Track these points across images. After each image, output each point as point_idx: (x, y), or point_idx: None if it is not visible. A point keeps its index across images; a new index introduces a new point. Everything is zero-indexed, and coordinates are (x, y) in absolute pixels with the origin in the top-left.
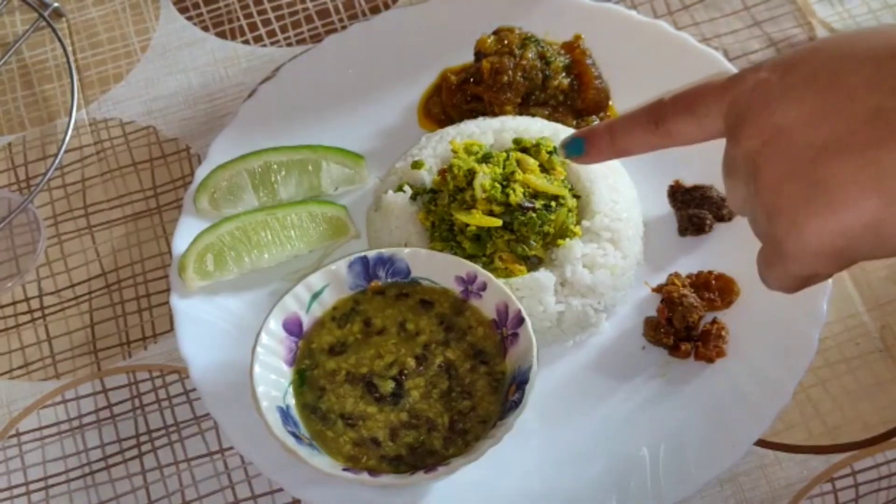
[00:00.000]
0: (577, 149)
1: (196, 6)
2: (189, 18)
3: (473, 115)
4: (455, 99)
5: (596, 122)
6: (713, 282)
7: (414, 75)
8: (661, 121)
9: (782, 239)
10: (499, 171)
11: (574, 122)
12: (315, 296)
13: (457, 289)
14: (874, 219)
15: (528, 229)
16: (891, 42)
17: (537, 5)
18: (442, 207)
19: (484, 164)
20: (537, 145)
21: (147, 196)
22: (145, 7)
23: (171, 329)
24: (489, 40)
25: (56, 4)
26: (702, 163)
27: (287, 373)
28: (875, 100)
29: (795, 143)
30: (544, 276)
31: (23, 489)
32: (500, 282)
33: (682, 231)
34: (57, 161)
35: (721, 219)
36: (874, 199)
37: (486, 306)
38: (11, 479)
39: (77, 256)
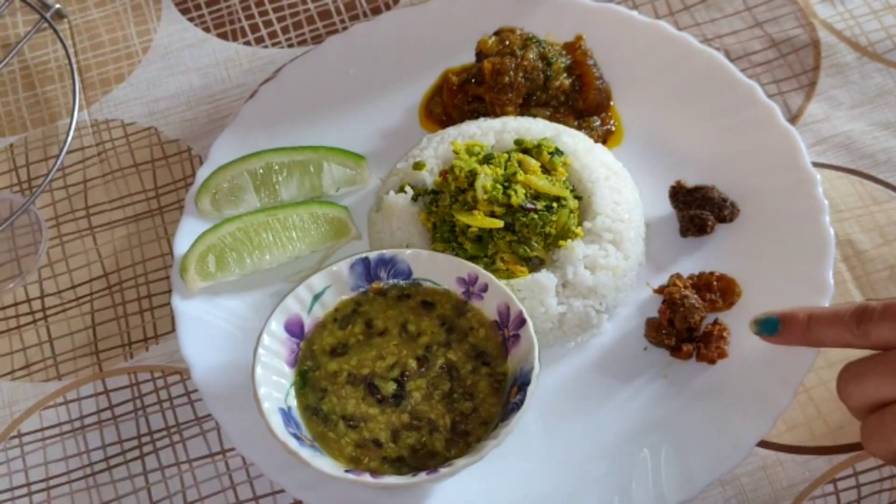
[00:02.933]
0: (771, 328)
1: (198, 7)
2: (191, 19)
3: (475, 115)
4: (456, 99)
5: (597, 122)
6: (715, 283)
7: (415, 76)
8: (864, 323)
9: None
10: (500, 171)
11: (575, 123)
12: (317, 297)
13: (458, 290)
14: None
15: (530, 230)
16: None
17: (539, 6)
18: (443, 208)
19: (485, 165)
20: (539, 146)
21: (148, 197)
22: (147, 8)
23: (173, 330)
24: (490, 41)
25: (58, 6)
26: (703, 163)
27: (289, 374)
28: None
29: None
30: (546, 277)
31: (24, 490)
32: (502, 283)
33: (684, 232)
34: (58, 162)
35: (722, 220)
36: None
37: (488, 307)
38: (13, 479)
39: (79, 257)
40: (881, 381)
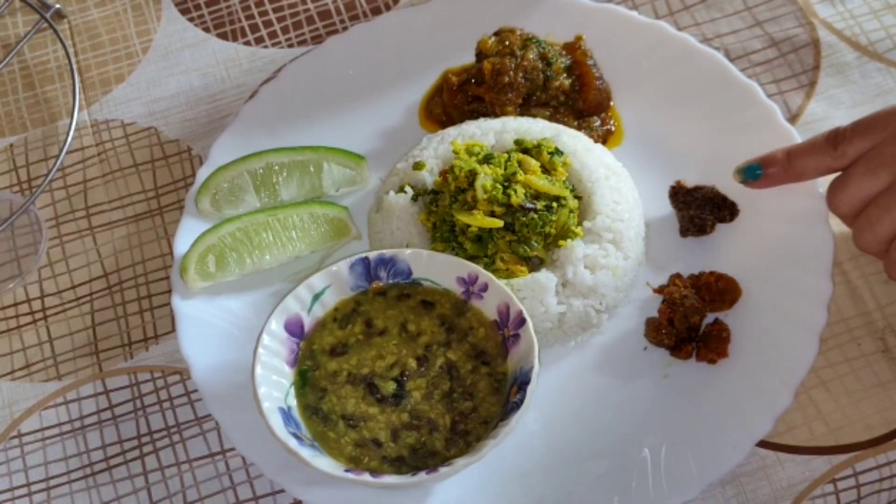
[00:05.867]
0: (753, 173)
1: (198, 7)
2: (191, 20)
3: (475, 115)
4: (456, 100)
5: (597, 123)
6: (715, 283)
7: (415, 76)
8: (839, 144)
9: None
10: (500, 171)
11: (575, 123)
12: (316, 297)
13: (458, 290)
14: None
15: (530, 230)
16: None
17: (539, 6)
18: (443, 208)
19: (485, 165)
20: (538, 146)
21: (148, 197)
22: (147, 8)
23: (173, 330)
24: (490, 41)
25: (58, 6)
26: (703, 163)
27: (289, 374)
28: None
29: None
30: (546, 276)
31: (24, 490)
32: (502, 283)
33: (684, 232)
34: (58, 162)
35: (722, 220)
36: None
37: (488, 307)
38: (13, 479)
39: (79, 257)
40: (861, 179)
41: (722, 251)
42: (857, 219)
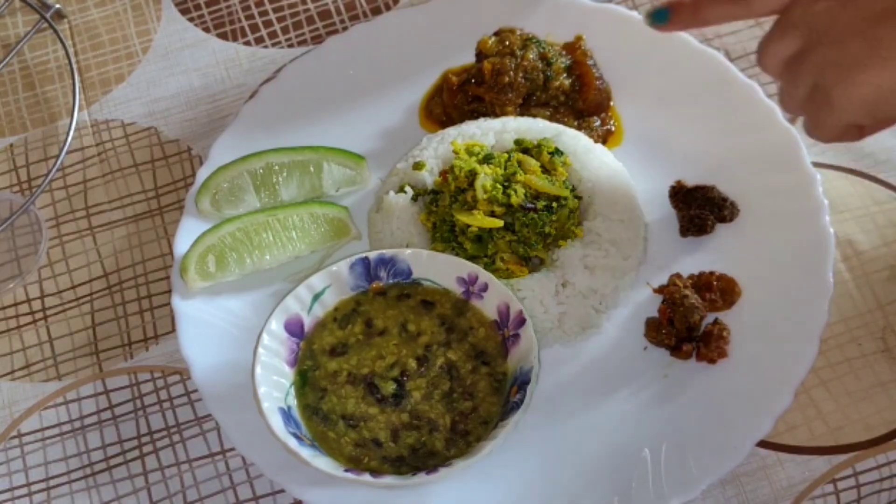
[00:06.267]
0: (661, 18)
1: (198, 7)
2: (191, 20)
3: (475, 115)
4: (456, 100)
5: (597, 123)
6: (715, 282)
7: (415, 76)
8: None
9: (831, 88)
10: (500, 171)
11: (575, 123)
12: (316, 297)
13: (458, 289)
14: None
15: (530, 230)
16: None
17: (539, 6)
18: (443, 208)
19: (485, 165)
20: (539, 146)
21: (148, 197)
22: (147, 8)
23: (173, 330)
24: (490, 41)
25: (58, 6)
26: (703, 163)
27: (289, 374)
28: None
29: (865, 5)
30: (545, 276)
31: (24, 490)
32: (502, 282)
33: (684, 232)
34: (58, 162)
35: (723, 220)
36: None
37: (488, 307)
38: (13, 479)
39: (79, 257)
40: (776, 42)
41: (722, 251)
42: (782, 81)
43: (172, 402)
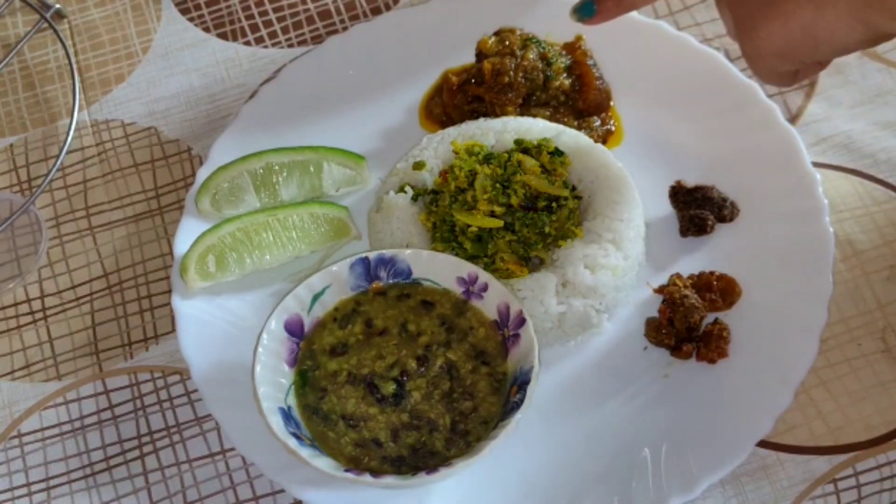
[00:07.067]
0: (587, 11)
1: (198, 7)
2: (191, 20)
3: (475, 115)
4: (456, 100)
5: (597, 123)
6: (715, 282)
7: (415, 76)
8: None
9: (742, 44)
10: (500, 171)
11: (575, 123)
12: (316, 297)
13: (458, 290)
14: (808, 23)
15: (530, 230)
16: None
17: (539, 6)
18: (443, 208)
19: (485, 165)
20: (538, 146)
21: (148, 197)
22: (147, 8)
23: (173, 330)
24: (490, 41)
25: (58, 6)
26: (703, 163)
27: (288, 374)
28: None
29: None
30: (545, 276)
31: (24, 490)
32: (502, 282)
33: (684, 232)
34: (58, 162)
35: (723, 220)
36: (808, 7)
37: (488, 307)
38: (13, 479)
39: (79, 257)
40: (718, 11)
41: (722, 251)
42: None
43: (172, 402)
